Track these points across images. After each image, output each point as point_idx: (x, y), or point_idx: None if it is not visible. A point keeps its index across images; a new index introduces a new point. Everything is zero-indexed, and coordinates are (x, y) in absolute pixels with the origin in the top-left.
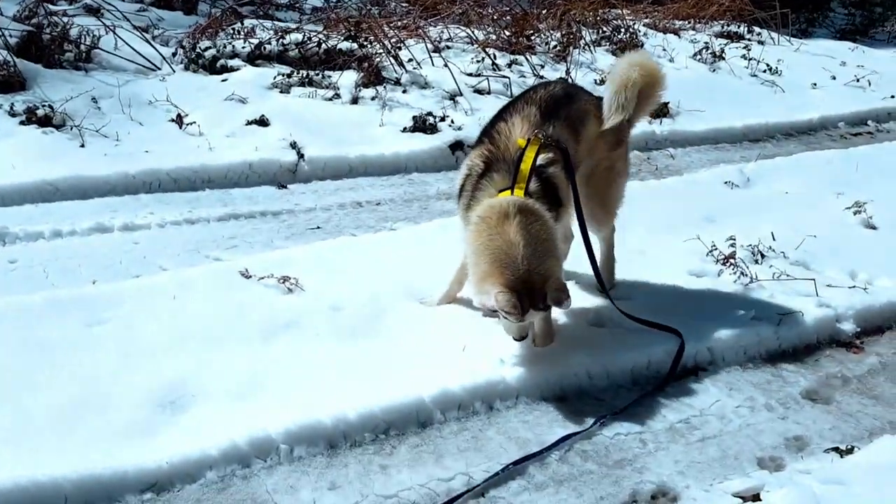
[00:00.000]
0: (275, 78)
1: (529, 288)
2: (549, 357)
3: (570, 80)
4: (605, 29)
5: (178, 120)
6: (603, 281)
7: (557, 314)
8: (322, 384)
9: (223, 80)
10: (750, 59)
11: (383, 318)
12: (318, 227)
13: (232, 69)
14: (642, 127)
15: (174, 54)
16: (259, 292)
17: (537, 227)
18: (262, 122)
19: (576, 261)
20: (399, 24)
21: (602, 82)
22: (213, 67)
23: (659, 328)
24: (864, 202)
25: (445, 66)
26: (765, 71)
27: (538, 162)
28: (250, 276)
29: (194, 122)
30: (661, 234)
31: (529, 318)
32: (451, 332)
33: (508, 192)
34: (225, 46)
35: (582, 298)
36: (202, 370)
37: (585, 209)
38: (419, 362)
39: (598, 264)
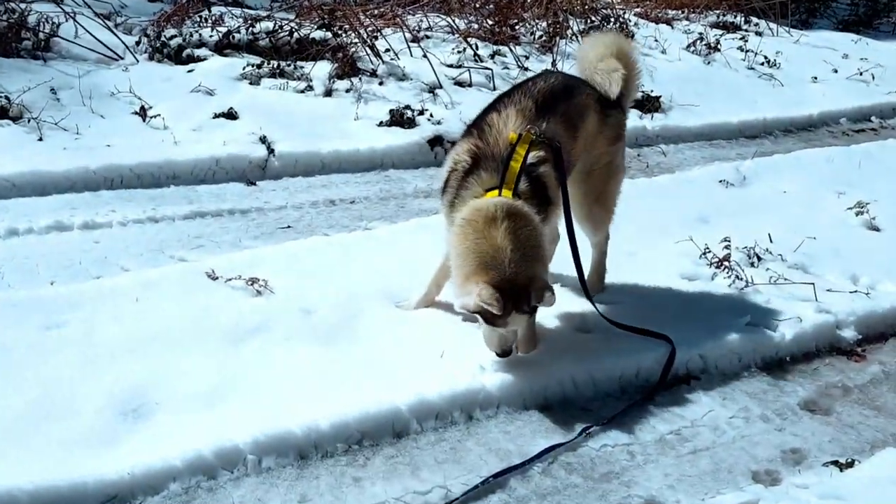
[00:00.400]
0: (244, 69)
1: (514, 290)
2: (532, 364)
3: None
4: (593, 18)
5: (142, 112)
6: (587, 287)
7: (542, 317)
8: (292, 391)
9: (189, 71)
10: (747, 51)
11: (357, 322)
12: (289, 227)
13: (199, 59)
14: (632, 122)
15: (138, 43)
16: (226, 294)
17: (526, 233)
18: (231, 115)
19: (562, 263)
20: (375, 12)
21: None
22: (179, 57)
23: (649, 334)
24: (867, 202)
25: (424, 56)
26: (762, 64)
27: (529, 160)
28: (217, 278)
29: (159, 115)
30: (652, 235)
31: (512, 324)
32: (430, 338)
33: (496, 191)
34: (191, 35)
35: (567, 302)
36: (166, 376)
37: (583, 208)
38: (395, 369)
39: (588, 270)
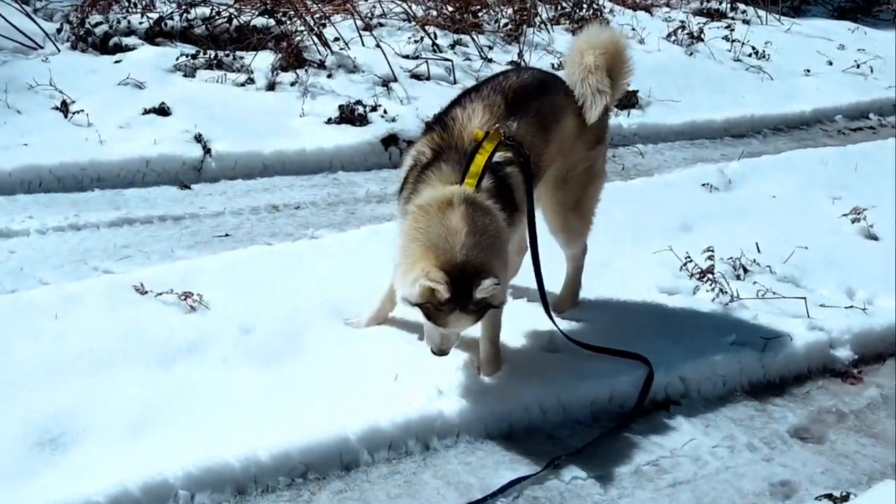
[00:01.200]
0: (177, 59)
1: (464, 279)
2: (495, 388)
3: (529, 67)
4: (564, 4)
5: (64, 108)
6: (548, 305)
7: (507, 336)
8: (229, 419)
9: (117, 62)
10: (733, 41)
11: (302, 340)
12: (227, 235)
13: (127, 48)
14: None
15: (59, 30)
16: (156, 310)
17: (485, 221)
18: (163, 111)
19: (531, 276)
20: None
21: (560, 67)
22: (105, 46)
23: (624, 355)
24: (864, 208)
25: (378, 46)
26: (750, 55)
27: (495, 158)
28: (146, 292)
29: (82, 111)
30: (628, 244)
31: (454, 324)
32: (382, 358)
33: (457, 185)
34: (119, 22)
35: (534, 319)
36: (89, 402)
37: (558, 217)
38: (343, 393)
39: (562, 286)
